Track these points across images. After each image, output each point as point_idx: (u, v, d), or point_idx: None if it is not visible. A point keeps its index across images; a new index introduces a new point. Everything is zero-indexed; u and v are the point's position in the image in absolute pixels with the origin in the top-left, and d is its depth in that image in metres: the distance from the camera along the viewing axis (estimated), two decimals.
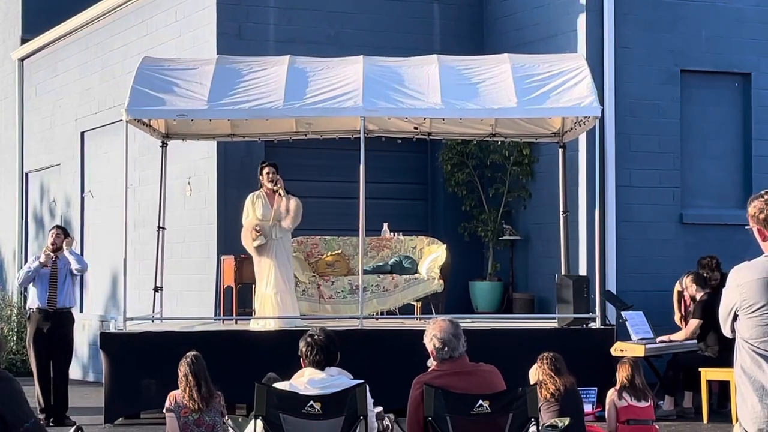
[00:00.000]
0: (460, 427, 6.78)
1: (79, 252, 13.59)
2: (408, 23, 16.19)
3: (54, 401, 12.92)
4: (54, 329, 12.87)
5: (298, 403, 6.92)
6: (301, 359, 7.20)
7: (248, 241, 12.71)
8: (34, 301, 12.94)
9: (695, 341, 12.64)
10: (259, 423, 6.95)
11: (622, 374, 9.49)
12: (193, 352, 8.87)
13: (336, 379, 7.10)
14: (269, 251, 12.66)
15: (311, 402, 6.88)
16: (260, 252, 12.67)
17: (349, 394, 6.97)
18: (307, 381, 7.08)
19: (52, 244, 13.00)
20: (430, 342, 6.92)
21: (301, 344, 7.18)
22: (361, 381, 7.09)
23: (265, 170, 12.86)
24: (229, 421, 7.83)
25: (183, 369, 8.70)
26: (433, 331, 6.92)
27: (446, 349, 6.87)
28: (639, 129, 14.67)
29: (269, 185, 12.79)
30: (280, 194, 12.74)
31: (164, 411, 8.82)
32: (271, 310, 12.62)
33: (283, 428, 6.91)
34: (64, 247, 13.01)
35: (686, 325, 12.84)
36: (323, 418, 6.91)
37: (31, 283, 12.98)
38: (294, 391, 7.05)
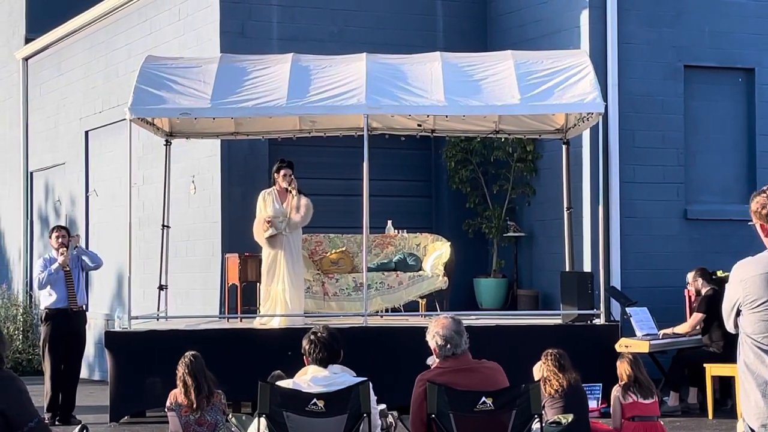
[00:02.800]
0: (464, 424, 6.79)
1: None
2: (411, 20, 16.20)
3: (62, 400, 12.90)
4: (70, 328, 12.83)
5: (302, 401, 6.92)
6: (305, 357, 7.20)
7: (260, 234, 12.69)
8: (52, 301, 12.78)
9: (700, 336, 12.62)
10: (263, 421, 6.95)
11: (621, 370, 9.46)
12: (192, 352, 8.86)
13: (339, 377, 7.09)
14: (280, 245, 12.62)
15: (314, 400, 6.88)
16: (272, 245, 12.63)
17: (352, 392, 6.96)
18: (310, 379, 7.08)
19: (61, 245, 12.89)
20: (433, 339, 6.93)
21: (304, 342, 7.18)
22: (365, 378, 7.09)
23: (282, 172, 12.82)
24: (233, 419, 7.82)
25: (181, 369, 8.70)
26: (435, 328, 6.93)
27: (449, 346, 6.88)
28: (642, 125, 14.65)
29: (284, 185, 12.78)
30: (291, 194, 12.72)
31: (165, 410, 8.83)
32: (278, 305, 12.60)
33: (286, 426, 6.91)
34: (74, 245, 12.97)
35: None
36: (327, 415, 6.91)
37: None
38: (297, 389, 7.05)
